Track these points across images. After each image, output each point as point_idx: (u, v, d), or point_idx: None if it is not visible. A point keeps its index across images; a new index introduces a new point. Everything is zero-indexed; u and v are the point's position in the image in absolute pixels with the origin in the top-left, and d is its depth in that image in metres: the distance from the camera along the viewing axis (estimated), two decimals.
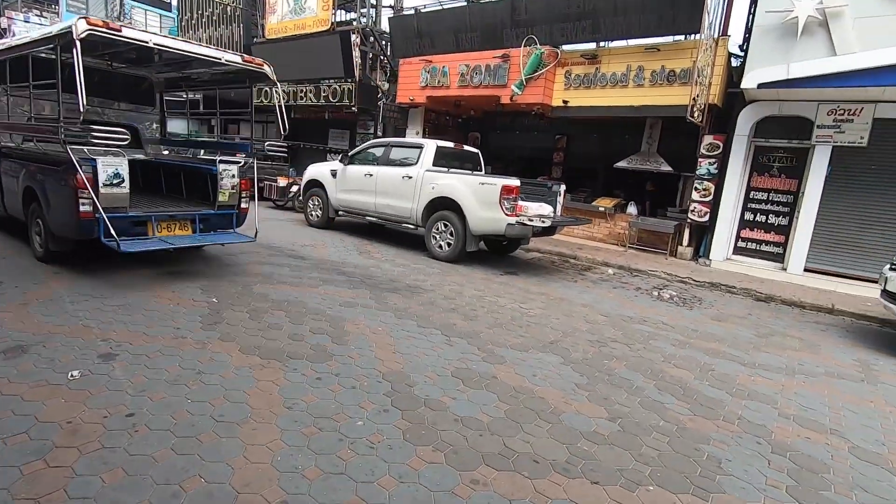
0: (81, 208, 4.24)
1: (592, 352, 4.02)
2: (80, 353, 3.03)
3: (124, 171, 4.46)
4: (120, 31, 4.24)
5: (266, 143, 6.16)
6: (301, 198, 10.55)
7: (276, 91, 5.91)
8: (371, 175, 7.89)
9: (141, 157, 6.42)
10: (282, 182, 10.98)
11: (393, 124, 13.01)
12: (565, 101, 9.84)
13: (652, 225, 9.31)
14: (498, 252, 8.20)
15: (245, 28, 14.60)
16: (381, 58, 12.95)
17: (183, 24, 16.81)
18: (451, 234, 6.96)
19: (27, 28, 30.79)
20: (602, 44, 10.05)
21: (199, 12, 16.05)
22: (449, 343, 3.86)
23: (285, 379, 2.98)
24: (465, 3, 11.07)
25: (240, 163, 5.63)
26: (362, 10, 12.32)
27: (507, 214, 6.40)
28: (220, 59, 5.11)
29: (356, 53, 12.13)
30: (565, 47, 9.87)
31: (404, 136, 12.78)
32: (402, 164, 7.65)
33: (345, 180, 8.32)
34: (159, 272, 5.00)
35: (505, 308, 5.04)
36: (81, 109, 3.95)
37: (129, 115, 7.51)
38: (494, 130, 13.48)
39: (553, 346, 4.03)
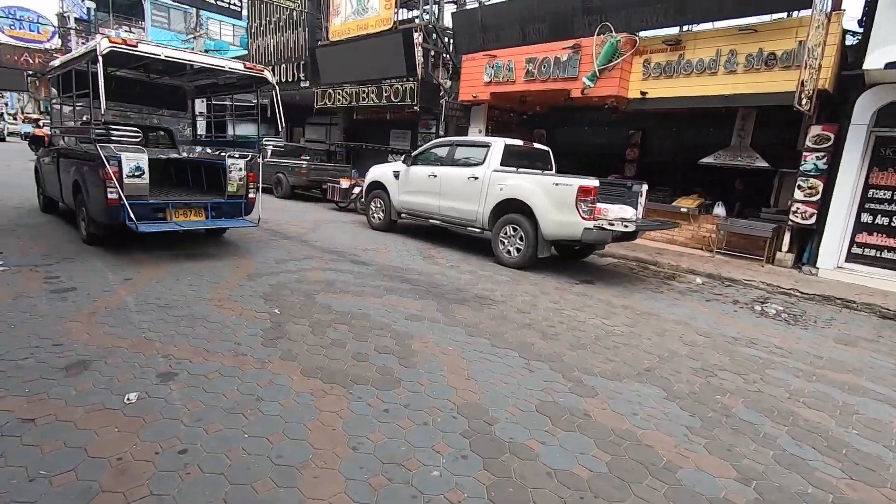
0: (109, 196, 5.06)
1: (699, 383, 3.41)
2: (139, 372, 2.86)
3: (144, 164, 5.25)
4: (136, 46, 5.07)
5: (264, 139, 6.89)
6: (363, 200, 10.43)
7: (274, 93, 6.49)
8: (435, 176, 7.55)
9: (174, 155, 7.31)
10: (344, 184, 10.93)
11: (455, 123, 12.66)
12: (643, 93, 9.03)
13: (744, 228, 8.32)
14: (569, 258, 7.61)
15: (310, 31, 14.79)
16: (444, 55, 12.62)
17: (252, 31, 17.37)
18: (521, 239, 6.46)
19: None
20: (686, 28, 9.15)
21: (267, 19, 16.49)
22: (528, 368, 3.40)
23: (349, 410, 2.64)
24: None
25: (246, 157, 6.38)
26: (425, 7, 12.05)
27: (584, 218, 5.82)
28: (223, 68, 6.01)
29: (418, 51, 11.88)
30: (644, 34, 9.05)
31: (466, 135, 12.39)
32: (467, 164, 7.25)
33: (408, 182, 8.04)
34: (226, 281, 4.89)
35: (586, 324, 4.49)
36: (102, 112, 4.89)
37: (167, 120, 8.27)
38: (561, 126, 12.78)
39: (650, 375, 3.46)
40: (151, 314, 3.77)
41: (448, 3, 12.34)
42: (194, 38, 20.43)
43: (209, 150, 7.76)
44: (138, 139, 5.25)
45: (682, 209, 9.19)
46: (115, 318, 3.63)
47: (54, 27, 32.08)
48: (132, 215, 5.07)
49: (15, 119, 45.34)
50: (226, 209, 6.09)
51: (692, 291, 6.32)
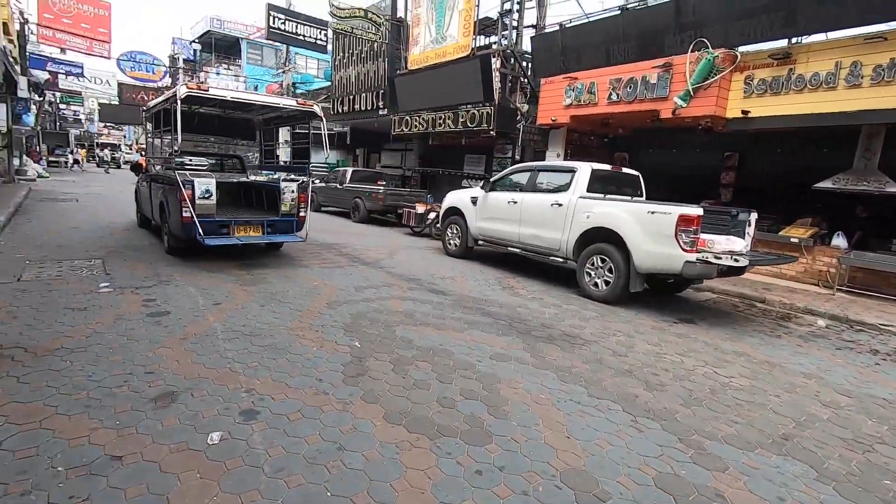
0: (184, 214, 5.95)
1: (856, 460, 2.78)
2: (223, 407, 2.77)
3: (212, 188, 6.13)
4: (208, 90, 6.10)
5: (310, 165, 7.90)
6: (439, 225, 10.34)
7: (322, 125, 7.37)
8: (515, 202, 7.26)
9: (242, 178, 8.08)
10: (420, 209, 10.94)
11: (532, 147, 12.35)
12: (745, 112, 8.24)
13: (875, 262, 7.20)
14: (662, 291, 6.95)
15: (389, 62, 15.28)
16: (521, 79, 12.45)
17: (336, 63, 18.30)
18: (610, 271, 5.96)
19: (217, 80, 36.78)
20: (794, 40, 8.29)
21: (350, 52, 17.30)
22: (636, 426, 2.95)
23: (438, 469, 2.36)
24: (617, 13, 10.08)
25: (298, 181, 7.08)
26: (503, 33, 11.99)
27: (685, 250, 5.25)
28: (279, 104, 7.19)
29: (496, 76, 11.80)
30: (744, 48, 8.32)
31: (543, 159, 12.04)
32: (550, 190, 6.90)
33: (486, 208, 7.81)
34: (307, 309, 4.86)
35: (696, 374, 3.93)
36: (178, 145, 6.15)
37: (240, 148, 9.49)
38: (646, 149, 12.06)
39: (790, 446, 2.88)
40: (237, 343, 3.75)
41: (527, 27, 12.21)
42: (283, 72, 21.90)
43: (272, 174, 8.31)
44: (206, 167, 6.40)
45: (793, 239, 8.18)
46: (203, 346, 3.64)
47: (166, 68, 35.97)
48: (201, 231, 5.98)
49: (130, 149, 51.10)
50: (279, 226, 6.84)
51: (816, 337, 5.46)
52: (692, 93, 8.46)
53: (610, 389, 3.46)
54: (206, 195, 6.11)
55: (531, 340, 4.39)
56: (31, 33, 22.26)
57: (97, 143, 48.96)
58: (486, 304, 5.53)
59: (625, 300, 6.01)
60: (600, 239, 6.11)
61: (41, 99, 26.77)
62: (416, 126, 14.35)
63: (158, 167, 7.71)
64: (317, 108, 7.08)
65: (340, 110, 18.06)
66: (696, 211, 5.26)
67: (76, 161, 32.66)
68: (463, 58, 12.56)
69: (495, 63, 11.76)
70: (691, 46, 8.43)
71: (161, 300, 4.69)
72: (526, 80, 12.39)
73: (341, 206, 14.17)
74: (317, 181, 18.32)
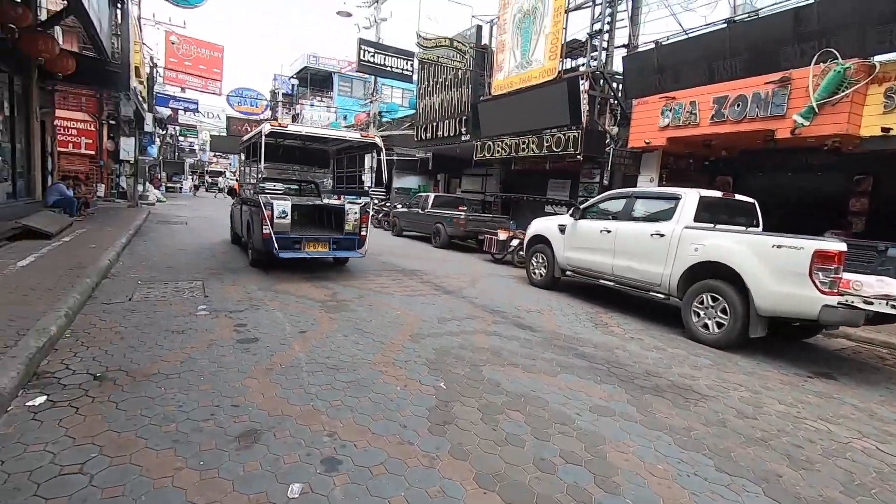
0: (264, 231, 6.91)
1: None
2: (304, 452, 2.60)
3: (288, 209, 7.04)
4: (286, 127, 7.43)
5: (370, 189, 9.07)
6: (521, 253, 9.97)
7: (382, 155, 8.02)
8: (609, 232, 6.73)
9: (316, 201, 8.95)
10: (502, 235, 10.64)
11: (622, 171, 11.66)
12: (886, 129, 7.10)
13: None
14: (785, 335, 6.01)
15: (473, 88, 15.36)
16: (611, 101, 11.89)
17: (421, 91, 18.79)
18: (724, 312, 5.23)
19: (311, 112, 39.49)
20: None
21: (435, 80, 17.68)
22: None
23: None
24: (722, 27, 9.30)
25: (361, 203, 7.86)
26: (592, 54, 11.56)
27: (823, 292, 4.45)
28: (346, 137, 8.51)
29: (584, 99, 11.35)
30: (882, 57, 7.23)
31: (635, 184, 11.30)
32: (649, 218, 6.31)
33: (575, 237, 7.33)
34: (390, 341, 4.70)
35: (852, 449, 3.19)
36: (262, 172, 7.60)
37: (316, 175, 10.37)
38: (755, 172, 10.90)
39: None
40: (320, 376, 3.63)
41: (618, 47, 11.69)
42: (371, 101, 22.91)
43: (340, 198, 9.40)
44: (283, 191, 8.22)
45: None
46: (287, 378, 3.55)
47: (267, 101, 39.32)
48: (276, 245, 6.87)
49: (234, 176, 56.21)
50: (343, 243, 7.58)
51: None
52: (816, 109, 7.47)
53: (743, 463, 2.87)
54: (283, 215, 7.00)
55: (635, 391, 3.87)
56: (159, 75, 25.35)
57: (207, 171, 54.37)
58: (578, 344, 5.05)
59: (742, 346, 5.24)
60: (711, 274, 5.41)
61: (163, 132, 30.25)
62: (498, 151, 14.20)
63: (247, 191, 8.76)
64: (377, 140, 7.94)
65: (424, 137, 18.42)
66: (837, 246, 4.47)
67: (196, 186, 36.30)
68: (549, 81, 12.27)
69: (583, 85, 11.33)
70: (815, 58, 7.48)
71: (251, 325, 4.76)
72: (616, 102, 11.81)
73: (423, 230, 14.25)
74: (398, 206, 18.76)
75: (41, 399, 2.96)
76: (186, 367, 3.63)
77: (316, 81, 40.83)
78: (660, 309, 6.86)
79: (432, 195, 14.40)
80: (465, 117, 15.96)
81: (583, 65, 12.52)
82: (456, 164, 20.06)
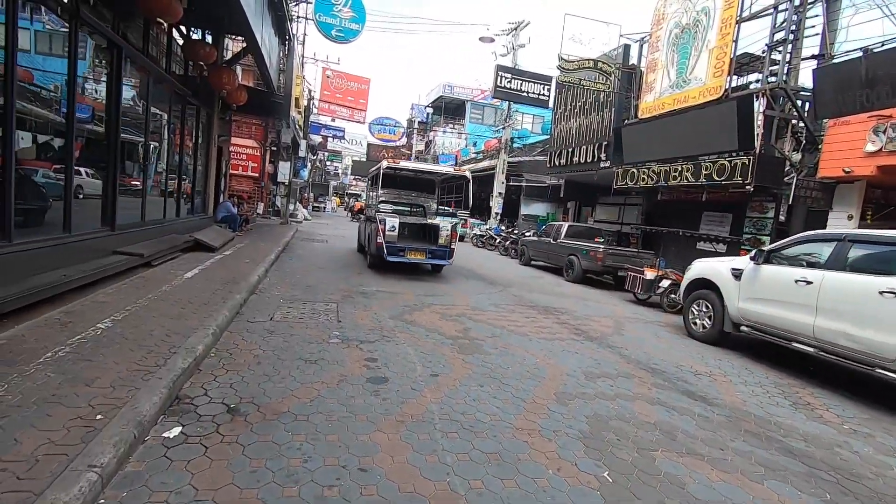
0: (378, 240, 8.96)
1: None
2: None
3: (397, 224, 9.15)
4: (398, 163, 10.22)
5: (458, 213, 12.69)
6: (675, 297, 8.66)
7: (469, 186, 10.36)
8: (808, 283, 5.31)
9: (421, 221, 10.67)
10: (649, 274, 9.35)
11: (805, 205, 9.66)
12: None
13: None
14: None
15: (616, 112, 14.25)
16: (793, 122, 10.00)
17: (556, 117, 18.10)
18: None
19: (442, 138, 40.96)
20: None
21: (573, 104, 16.88)
22: None
23: None
24: None
25: (453, 222, 9.83)
26: (771, 69, 9.86)
27: None
28: (441, 171, 10.98)
29: (758, 120, 9.69)
30: None
31: (825, 220, 9.27)
32: (877, 270, 4.80)
33: (757, 285, 5.97)
34: (532, 399, 4.02)
35: None
36: (379, 197, 10.39)
37: (424, 199, 11.90)
38: None
39: None
40: (456, 441, 3.08)
41: (805, 58, 9.83)
42: (503, 127, 22.79)
43: (447, 217, 11.20)
44: (392, 211, 10.31)
45: None
46: (419, 438, 3.06)
47: (404, 129, 41.73)
48: (386, 251, 9.03)
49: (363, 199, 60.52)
50: (436, 253, 9.52)
51: None
52: None
53: None
54: (392, 229, 9.11)
55: None
56: (314, 107, 28.22)
57: (347, 193, 59.38)
58: (779, 432, 3.86)
59: None
60: None
61: (314, 157, 33.54)
62: (643, 179, 12.86)
63: (370, 211, 11.36)
64: (466, 173, 10.59)
65: (557, 163, 17.62)
66: None
67: (351, 210, 39.33)
68: (712, 101, 10.77)
69: (758, 104, 9.69)
70: None
71: (382, 360, 4.44)
72: (801, 124, 9.90)
73: (553, 261, 13.37)
74: (527, 233, 18.09)
75: (176, 431, 2.83)
76: (315, 407, 3.34)
77: (449, 110, 42.41)
78: (888, 390, 5.18)
79: (566, 224, 13.47)
80: (605, 142, 14.86)
81: (757, 81, 10.80)
82: (590, 192, 18.87)
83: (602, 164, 14.89)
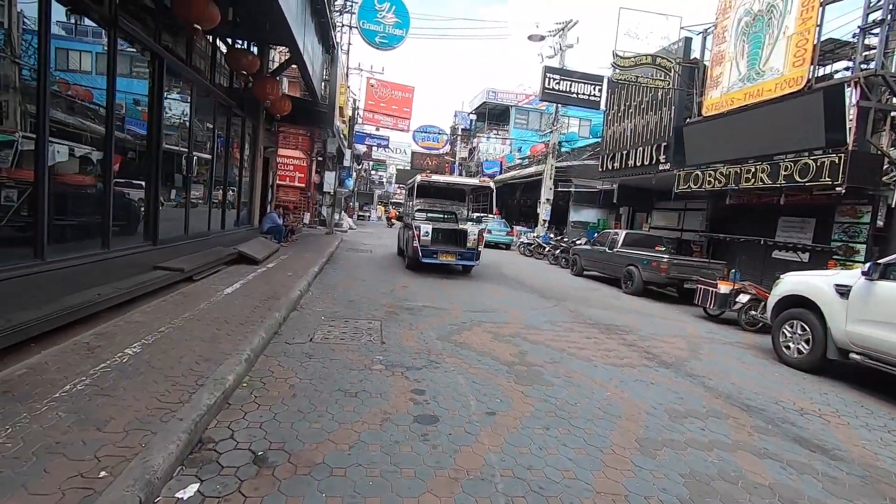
0: (414, 245, 10.24)
1: None
2: None
3: (430, 230, 10.32)
4: (430, 177, 11.44)
5: (480, 217, 13.70)
6: (756, 314, 7.70)
7: (492, 195, 11.76)
8: None
9: (453, 226, 11.64)
10: (723, 288, 8.37)
11: None
12: None
13: None
14: None
15: (677, 110, 13.22)
16: (892, 114, 8.77)
17: (609, 118, 17.15)
18: None
19: (486, 145, 40.40)
20: None
21: (627, 104, 15.92)
22: None
23: None
24: None
25: (479, 228, 11.10)
26: (865, 54, 8.69)
27: None
28: (468, 182, 12.34)
29: (850, 113, 8.55)
30: None
31: None
32: None
33: (872, 305, 5.03)
34: (610, 450, 3.36)
35: None
36: (414, 207, 11.99)
37: (456, 207, 13.20)
38: None
39: None
40: None
41: None
42: (551, 131, 21.98)
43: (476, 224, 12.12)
44: (424, 219, 11.42)
45: None
46: (476, 495, 2.49)
47: (448, 136, 41.52)
48: (420, 254, 10.25)
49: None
50: (465, 255, 10.69)
51: None
52: None
53: None
54: (426, 234, 10.36)
55: None
56: (359, 117, 28.40)
57: (391, 202, 59.89)
58: None
59: None
60: None
61: (359, 167, 33.81)
62: (709, 182, 11.78)
63: (407, 219, 12.63)
64: (490, 184, 11.97)
65: (610, 167, 16.67)
66: None
67: (388, 218, 39.66)
68: (792, 94, 9.66)
69: (851, 95, 8.55)
70: None
71: (430, 392, 3.91)
72: None
73: (609, 272, 12.47)
74: (579, 241, 17.19)
75: (193, 489, 2.39)
76: (355, 456, 2.84)
77: (493, 115, 41.83)
78: None
79: (623, 232, 12.55)
80: (664, 143, 13.83)
81: (847, 69, 9.62)
82: (645, 197, 17.74)
83: (661, 167, 13.86)
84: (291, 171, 20.58)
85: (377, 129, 29.80)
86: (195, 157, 7.37)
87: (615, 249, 12.06)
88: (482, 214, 14.08)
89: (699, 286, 8.90)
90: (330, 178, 20.01)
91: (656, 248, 11.78)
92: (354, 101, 23.33)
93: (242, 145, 10.52)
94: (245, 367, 3.90)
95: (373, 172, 51.41)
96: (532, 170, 25.91)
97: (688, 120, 12.85)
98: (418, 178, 11.36)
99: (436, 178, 11.87)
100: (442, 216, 12.66)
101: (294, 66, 10.36)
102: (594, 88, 17.67)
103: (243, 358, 3.95)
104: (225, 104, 8.80)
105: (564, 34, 20.73)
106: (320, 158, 20.72)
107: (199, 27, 5.54)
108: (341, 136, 19.70)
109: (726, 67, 11.68)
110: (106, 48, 4.95)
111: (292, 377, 3.99)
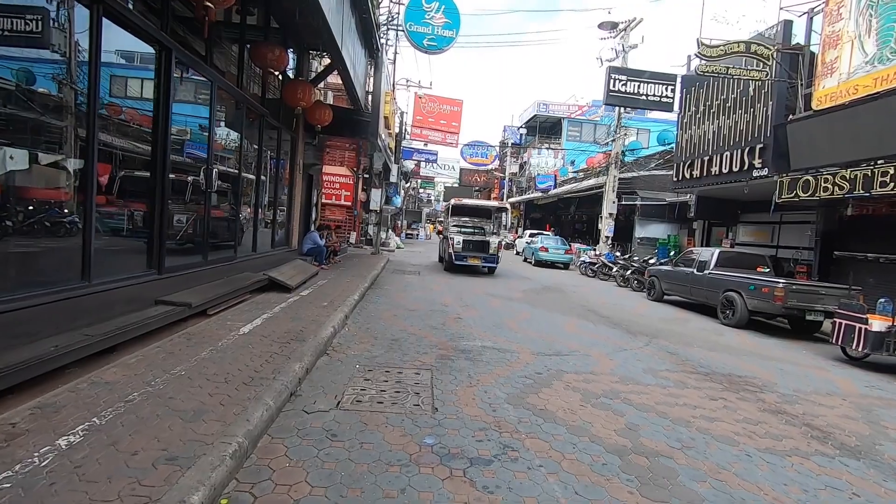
0: (449, 251, 14.34)
1: None
2: None
3: (461, 240, 14.19)
4: (462, 201, 16.69)
5: (501, 230, 17.02)
6: None
7: (507, 213, 16.82)
8: None
9: (481, 238, 14.87)
10: (877, 325, 6.35)
11: None
12: None
13: None
14: None
15: (777, 105, 11.19)
16: None
17: (684, 121, 15.19)
18: None
19: (537, 158, 38.72)
20: None
21: (707, 103, 13.94)
22: None
23: None
24: None
25: (500, 238, 15.38)
26: None
27: None
28: (490, 204, 17.36)
29: None
30: None
31: None
32: None
33: None
34: None
35: None
36: (449, 223, 16.00)
37: (484, 223, 16.29)
38: None
39: None
40: None
41: None
42: (612, 140, 20.13)
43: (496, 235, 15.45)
44: (457, 232, 14.92)
45: None
46: None
47: (497, 152, 40.22)
48: (455, 259, 13.83)
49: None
50: (488, 259, 14.15)
51: None
52: None
53: None
54: (458, 244, 13.81)
55: None
56: (407, 133, 27.63)
57: (438, 220, 59.07)
58: None
59: None
60: None
61: (407, 184, 33.02)
62: (824, 188, 9.67)
63: (445, 233, 15.58)
64: (506, 204, 17.51)
65: (687, 175, 14.63)
66: None
67: (438, 232, 39.02)
68: None
69: None
70: None
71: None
72: None
73: (697, 297, 10.50)
74: (651, 260, 15.17)
75: None
76: None
77: (544, 129, 40.18)
78: None
79: (717, 250, 10.57)
80: (759, 145, 11.76)
81: None
82: (728, 209, 15.54)
83: (756, 173, 11.78)
84: (338, 188, 19.85)
85: (425, 144, 28.92)
86: (215, 170, 6.33)
87: (706, 271, 10.11)
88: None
89: (838, 320, 6.89)
90: (376, 195, 19.07)
91: (758, 268, 9.77)
92: (402, 114, 22.51)
93: (278, 158, 9.57)
94: (231, 466, 2.58)
95: (421, 190, 50.76)
96: (591, 182, 24.00)
97: (792, 116, 10.80)
98: (452, 201, 16.15)
99: (465, 201, 16.73)
100: (472, 230, 15.77)
101: (335, 71, 9.36)
102: (666, 89, 15.79)
103: (230, 451, 2.64)
104: (256, 112, 7.84)
105: (626, 34, 18.98)
106: (366, 175, 19.88)
107: (210, 5, 4.46)
108: (388, 150, 18.78)
109: (845, 50, 9.64)
110: (88, 31, 3.92)
111: (301, 482, 2.63)
